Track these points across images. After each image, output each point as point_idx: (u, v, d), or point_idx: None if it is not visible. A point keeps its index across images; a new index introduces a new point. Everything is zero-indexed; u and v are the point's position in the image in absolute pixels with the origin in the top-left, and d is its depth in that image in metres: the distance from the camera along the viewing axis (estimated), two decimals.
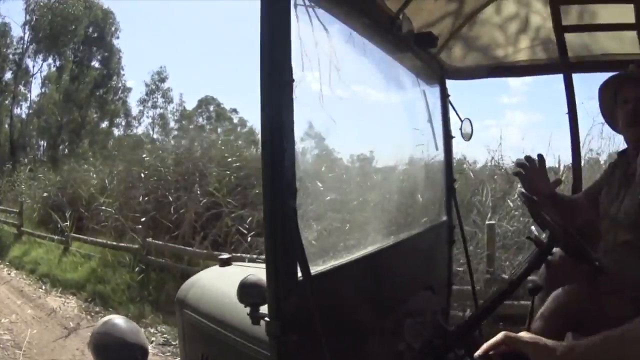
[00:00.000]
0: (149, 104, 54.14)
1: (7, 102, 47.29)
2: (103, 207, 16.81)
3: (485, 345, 1.83)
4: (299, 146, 1.87)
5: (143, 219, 13.67)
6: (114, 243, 14.22)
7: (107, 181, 18.79)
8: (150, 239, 12.80)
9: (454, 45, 4.24)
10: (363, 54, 2.94)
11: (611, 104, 3.48)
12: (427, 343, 2.84)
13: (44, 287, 13.48)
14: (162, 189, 15.29)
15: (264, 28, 1.75)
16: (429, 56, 3.71)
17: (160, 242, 12.75)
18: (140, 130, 54.32)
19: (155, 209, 14.71)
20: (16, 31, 46.94)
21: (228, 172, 14.03)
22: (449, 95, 3.94)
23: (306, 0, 2.20)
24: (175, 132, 47.53)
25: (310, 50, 2.27)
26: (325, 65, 2.62)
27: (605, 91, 3.48)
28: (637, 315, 1.81)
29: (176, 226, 13.78)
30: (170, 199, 14.48)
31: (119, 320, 3.34)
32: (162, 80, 54.35)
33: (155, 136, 50.67)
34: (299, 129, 1.86)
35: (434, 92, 3.90)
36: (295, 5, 2.04)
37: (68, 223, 16.51)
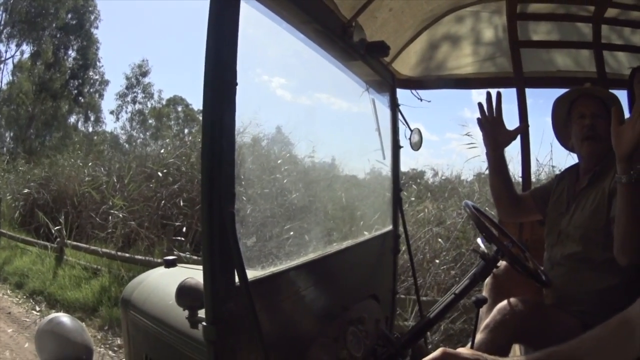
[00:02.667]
0: (129, 98, 52.92)
1: None
2: (112, 211, 13.57)
3: None
4: (241, 150, 1.86)
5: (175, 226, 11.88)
6: (140, 257, 10.96)
7: (115, 178, 15.45)
8: (188, 254, 9.93)
9: (407, 55, 4.26)
10: (313, 60, 2.94)
11: (564, 119, 3.53)
12: (370, 351, 2.84)
13: (38, 309, 10.42)
14: (189, 191, 13.26)
15: (211, 28, 1.74)
16: (380, 65, 3.71)
17: (195, 257, 9.58)
18: (118, 125, 53.51)
19: (187, 215, 12.61)
20: None
21: None
22: (399, 105, 3.95)
23: (257, 2, 2.19)
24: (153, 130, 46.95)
25: (259, 53, 2.27)
26: (274, 70, 2.62)
27: (560, 105, 3.54)
28: (583, 330, 1.82)
29: None
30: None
31: (64, 318, 3.32)
32: (144, 74, 53.28)
33: (133, 133, 49.93)
34: (243, 133, 1.85)
35: (384, 101, 3.90)
36: (245, 7, 2.03)
37: (63, 227, 13.15)
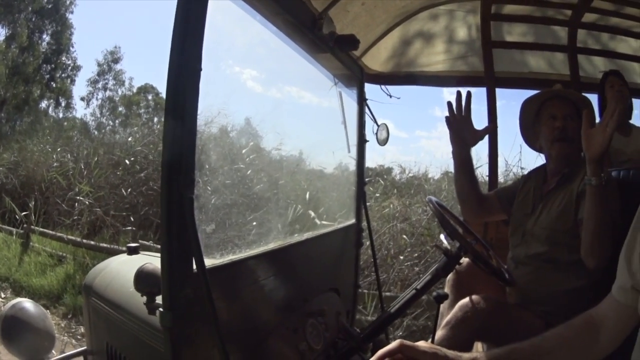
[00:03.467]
0: (100, 85, 51.63)
1: None
2: (78, 197, 13.42)
3: (379, 352, 1.78)
4: (209, 139, 1.86)
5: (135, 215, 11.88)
6: (105, 245, 10.96)
7: (82, 165, 15.07)
8: (152, 242, 10.12)
9: (378, 51, 4.26)
10: (284, 52, 2.93)
11: (532, 119, 3.55)
12: (330, 344, 2.84)
13: (3, 295, 9.98)
14: (155, 180, 13.02)
15: (178, 13, 1.72)
16: (350, 59, 3.71)
17: (152, 243, 10.01)
18: (88, 111, 52.80)
19: (153, 203, 12.59)
20: None
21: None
22: (367, 99, 3.94)
23: None
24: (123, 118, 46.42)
25: (230, 44, 2.26)
26: (245, 61, 2.62)
27: (529, 105, 3.57)
28: (547, 330, 1.83)
29: None
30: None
31: (27, 304, 3.30)
32: (116, 60, 52.01)
33: (103, 120, 49.23)
34: (206, 120, 1.85)
35: (352, 95, 3.90)
36: None
37: (31, 213, 12.73)
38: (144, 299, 2.02)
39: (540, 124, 3.47)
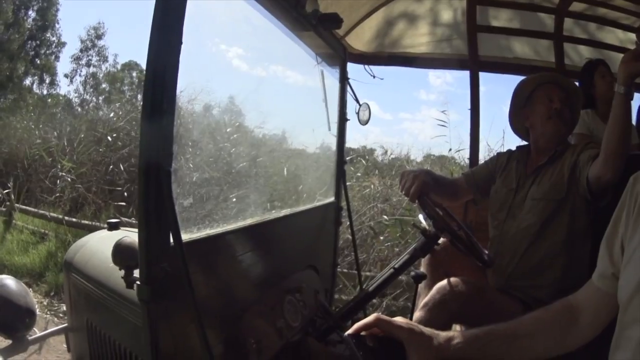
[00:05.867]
0: (83, 61, 51.11)
1: None
2: (61, 174, 13.29)
3: (356, 325, 1.83)
4: (187, 113, 1.86)
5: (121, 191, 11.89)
6: (87, 222, 10.87)
7: (65, 142, 14.90)
8: (133, 219, 9.89)
9: (362, 30, 4.26)
10: (268, 30, 2.93)
11: (524, 101, 3.61)
12: (308, 322, 2.86)
13: None
14: (137, 156, 12.35)
15: None
16: (333, 38, 3.71)
17: (133, 220, 9.75)
18: (72, 88, 52.46)
19: (134, 180, 12.03)
20: None
21: None
22: (349, 79, 3.95)
23: None
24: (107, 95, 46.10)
25: (218, 21, 2.25)
26: (231, 39, 2.61)
27: (524, 86, 3.65)
28: (524, 313, 1.86)
29: None
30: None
31: (8, 280, 3.30)
32: (99, 37, 51.51)
33: (86, 97, 48.88)
34: (189, 97, 1.85)
35: (335, 74, 3.90)
36: None
37: (11, 190, 12.62)
38: (122, 272, 2.02)
39: (534, 104, 3.56)
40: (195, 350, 1.94)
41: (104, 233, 3.50)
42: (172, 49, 1.76)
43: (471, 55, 4.71)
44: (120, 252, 2.01)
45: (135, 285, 1.83)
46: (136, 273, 1.96)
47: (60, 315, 7.88)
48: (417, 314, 3.09)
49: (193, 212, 2.38)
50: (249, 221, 2.71)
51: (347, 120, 3.93)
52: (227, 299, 2.41)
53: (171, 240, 1.78)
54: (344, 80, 3.92)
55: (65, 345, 3.44)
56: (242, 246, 2.54)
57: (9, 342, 3.11)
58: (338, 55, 3.84)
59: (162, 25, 1.72)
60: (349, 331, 1.82)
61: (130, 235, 2.13)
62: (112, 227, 3.43)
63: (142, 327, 1.81)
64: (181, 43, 1.77)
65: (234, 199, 3.09)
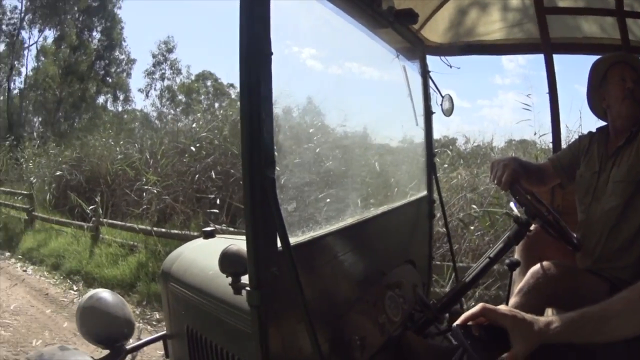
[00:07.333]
0: (157, 75, 52.68)
1: None
2: (146, 187, 13.42)
3: (463, 316, 1.87)
4: (279, 118, 1.89)
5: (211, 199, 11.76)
6: (177, 231, 10.85)
7: (147, 155, 15.25)
8: (224, 226, 10.01)
9: (435, 22, 4.26)
10: (343, 28, 2.94)
11: (599, 82, 3.56)
12: (407, 316, 2.88)
13: (75, 288, 10.50)
14: (223, 164, 13.03)
15: (243, 1, 1.76)
16: (409, 32, 3.71)
17: (232, 229, 9.69)
18: (148, 102, 53.59)
19: (222, 188, 12.46)
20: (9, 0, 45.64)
21: None
22: (430, 71, 3.94)
23: None
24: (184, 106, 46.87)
25: (289, 24, 2.28)
26: (304, 41, 2.64)
27: (598, 67, 3.59)
28: (611, 294, 1.86)
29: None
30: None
31: (105, 294, 3.40)
32: (170, 50, 53.03)
33: (163, 110, 49.75)
34: (278, 102, 1.88)
35: (414, 68, 3.89)
36: None
37: (98, 206, 12.86)
38: (229, 279, 2.07)
39: (608, 84, 3.48)
40: (304, 351, 1.99)
41: (199, 242, 3.57)
42: (264, 58, 1.79)
43: (543, 38, 4.65)
44: (228, 260, 2.05)
45: (243, 292, 1.87)
46: (243, 279, 2.00)
47: (153, 323, 8.13)
48: (513, 300, 3.09)
49: (296, 216, 2.42)
50: (348, 221, 2.75)
51: (432, 113, 3.93)
52: (330, 298, 2.45)
53: (278, 244, 1.82)
54: (425, 73, 3.92)
55: (163, 352, 3.52)
56: (343, 246, 2.58)
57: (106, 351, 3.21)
58: (416, 49, 3.85)
59: (251, 36, 1.76)
60: (457, 322, 1.85)
61: (227, 243, 2.17)
62: (208, 235, 3.50)
63: (252, 331, 1.86)
64: (271, 52, 1.81)
65: (329, 200, 3.12)
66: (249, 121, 1.76)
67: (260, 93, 1.77)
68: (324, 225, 2.52)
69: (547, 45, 4.63)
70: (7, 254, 14.12)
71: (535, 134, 9.87)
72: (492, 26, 4.70)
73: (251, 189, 1.76)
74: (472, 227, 8.26)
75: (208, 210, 9.97)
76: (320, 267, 2.37)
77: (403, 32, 3.50)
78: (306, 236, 2.29)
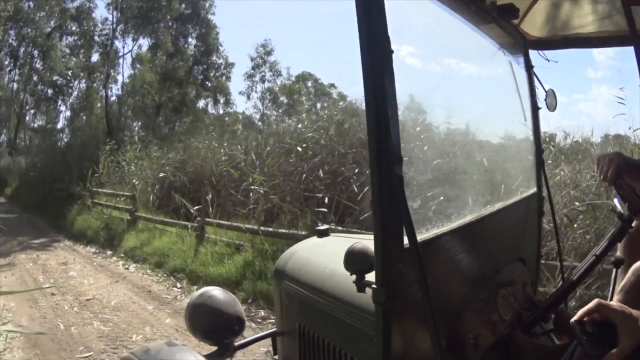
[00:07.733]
0: (257, 78, 54.37)
1: (94, 84, 48.33)
2: (253, 187, 13.69)
3: (580, 312, 1.89)
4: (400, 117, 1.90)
5: (320, 199, 11.67)
6: (284, 230, 10.92)
7: (253, 156, 15.53)
8: (333, 224, 9.62)
9: (533, 16, 4.22)
10: (450, 25, 2.95)
11: None
12: (516, 315, 2.86)
13: (179, 285, 10.96)
14: (330, 164, 13.13)
15: (359, 1, 1.79)
16: (511, 27, 3.69)
17: (340, 227, 9.46)
18: (250, 105, 54.82)
19: (330, 187, 12.55)
20: (100, 12, 47.11)
21: None
22: (533, 66, 3.91)
23: None
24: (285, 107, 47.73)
25: (403, 23, 2.29)
26: (416, 38, 2.64)
27: None
28: None
29: (362, 209, 11.08)
30: (349, 174, 12.31)
31: (215, 291, 3.48)
32: (268, 53, 54.62)
33: (266, 111, 51.35)
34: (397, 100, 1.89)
35: (518, 63, 3.87)
36: None
37: (207, 205, 13.68)
38: (353, 277, 2.08)
39: None
40: (421, 349, 2.01)
41: (313, 240, 3.63)
42: (385, 56, 1.82)
43: (631, 30, 4.57)
44: (353, 258, 2.08)
45: (368, 289, 1.89)
46: (367, 277, 2.02)
47: (258, 320, 8.39)
48: (615, 298, 3.04)
49: (421, 214, 2.43)
50: (466, 219, 2.76)
51: (539, 108, 3.90)
52: (448, 295, 2.46)
53: (405, 242, 1.84)
54: (529, 68, 3.89)
55: (268, 349, 3.56)
56: (460, 243, 2.59)
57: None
58: (518, 43, 3.83)
59: (371, 36, 1.78)
60: (574, 318, 1.87)
61: (343, 241, 2.19)
62: (322, 234, 3.54)
63: (375, 328, 1.87)
64: (392, 50, 1.82)
65: (442, 198, 3.12)
66: (375, 119, 1.79)
67: (385, 91, 1.79)
68: (443, 223, 2.52)
69: (635, 36, 4.55)
70: (109, 252, 15.01)
71: (629, 128, 9.70)
72: (585, 19, 4.65)
73: (379, 187, 1.79)
74: (575, 225, 8.11)
75: (316, 209, 10.00)
76: (440, 264, 2.38)
77: (506, 27, 3.48)
78: (430, 234, 2.31)
